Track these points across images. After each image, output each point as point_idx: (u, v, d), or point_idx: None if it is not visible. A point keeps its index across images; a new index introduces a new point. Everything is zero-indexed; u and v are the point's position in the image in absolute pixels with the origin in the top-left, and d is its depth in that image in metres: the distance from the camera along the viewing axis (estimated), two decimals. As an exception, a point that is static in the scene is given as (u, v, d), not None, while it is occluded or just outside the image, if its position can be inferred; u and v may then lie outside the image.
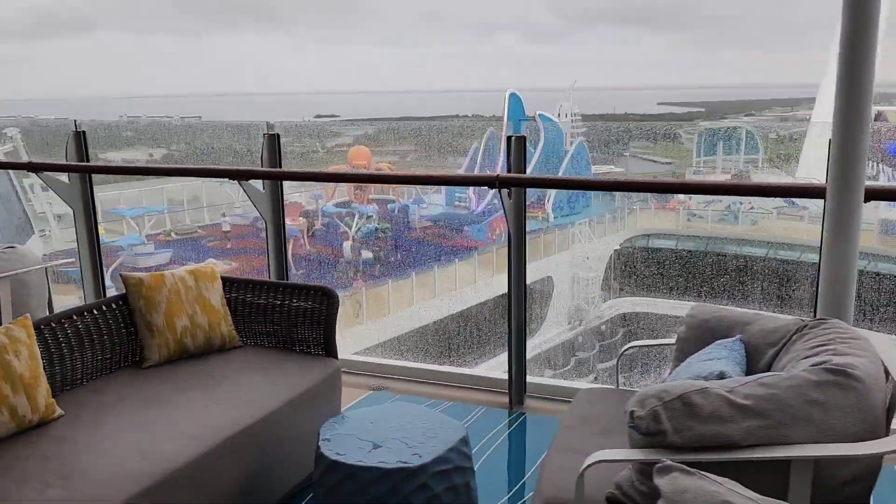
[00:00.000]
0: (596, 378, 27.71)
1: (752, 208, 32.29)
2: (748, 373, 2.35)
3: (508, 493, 3.17)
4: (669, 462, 1.56)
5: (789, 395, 1.90)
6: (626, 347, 2.89)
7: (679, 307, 29.09)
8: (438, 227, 27.09)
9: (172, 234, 24.57)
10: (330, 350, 3.30)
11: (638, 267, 28.37)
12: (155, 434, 2.53)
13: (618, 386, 2.90)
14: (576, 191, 31.47)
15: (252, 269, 22.10)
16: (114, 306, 3.20)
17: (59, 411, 2.68)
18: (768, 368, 2.36)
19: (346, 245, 24.14)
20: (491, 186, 3.61)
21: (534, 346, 25.65)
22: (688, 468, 1.52)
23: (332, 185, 27.35)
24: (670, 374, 2.66)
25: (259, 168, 4.17)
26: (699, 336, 2.59)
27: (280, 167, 4.16)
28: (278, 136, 4.14)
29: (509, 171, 3.71)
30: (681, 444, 1.88)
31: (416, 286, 22.31)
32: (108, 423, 2.62)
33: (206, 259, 22.53)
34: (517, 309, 3.89)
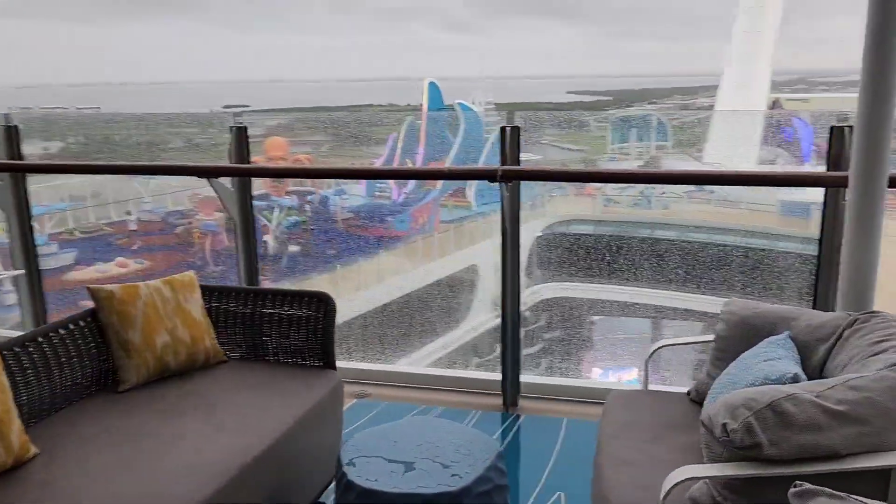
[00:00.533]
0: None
1: (663, 193, 33.39)
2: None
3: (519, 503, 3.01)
4: (808, 485, 1.42)
5: (885, 398, 1.80)
6: (656, 347, 2.75)
7: (598, 290, 29.84)
8: (361, 218, 26.67)
9: (76, 232, 23.14)
10: (329, 361, 3.04)
11: (558, 253, 28.91)
12: (155, 472, 2.22)
13: (646, 387, 2.77)
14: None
15: (168, 267, 21.09)
16: (82, 323, 2.83)
17: (33, 450, 2.33)
18: (822, 365, 2.27)
19: (268, 239, 23.38)
20: (492, 180, 3.41)
21: (460, 335, 25.75)
22: (836, 492, 1.38)
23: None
24: (709, 375, 2.55)
25: (230, 164, 3.81)
26: (742, 334, 2.49)
27: (249, 162, 3.82)
28: (246, 128, 3.80)
29: (504, 162, 3.52)
30: (778, 456, 1.76)
31: (341, 279, 21.88)
32: (95, 461, 2.28)
33: (114, 258, 21.33)
34: (512, 306, 3.72)
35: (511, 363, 3.79)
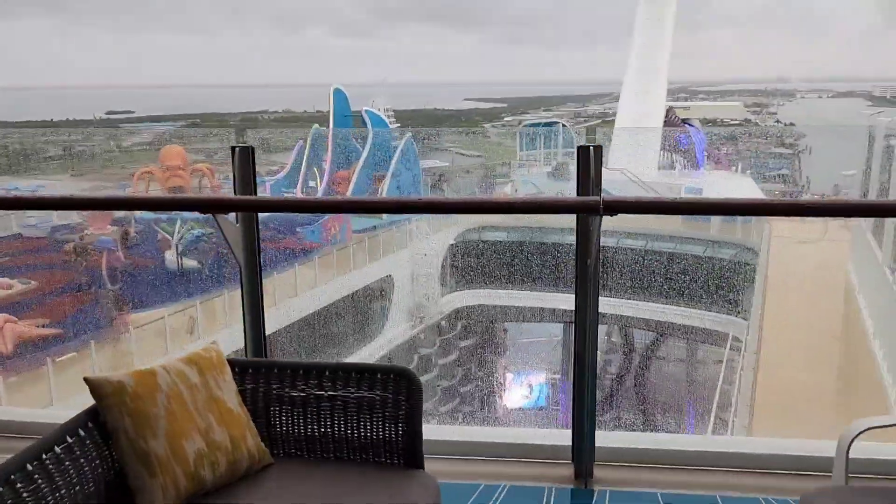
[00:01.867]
0: (438, 374, 27.60)
1: (573, 199, 33.88)
2: None
3: None
4: None
5: None
6: (860, 431, 2.18)
7: (510, 297, 29.91)
8: (269, 230, 25.53)
9: (-52, 250, 21.10)
10: (415, 458, 2.31)
11: (472, 260, 28.74)
12: None
13: (846, 482, 2.20)
14: (413, 184, 31.22)
15: (56, 287, 19.36)
16: (82, 433, 1.99)
17: None
18: None
19: (168, 254, 21.86)
20: (592, 213, 2.77)
21: (378, 347, 24.98)
22: None
23: (144, 186, 24.79)
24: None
25: (237, 196, 2.95)
26: None
27: (255, 193, 3.00)
28: (252, 149, 2.97)
29: (586, 189, 2.90)
30: None
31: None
32: None
33: (-6, 278, 19.25)
34: (590, 355, 3.09)
35: (588, 424, 3.16)
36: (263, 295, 3.17)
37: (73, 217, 22.93)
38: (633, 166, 36.02)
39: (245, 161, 2.97)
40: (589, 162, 2.89)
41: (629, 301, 26.96)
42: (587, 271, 2.99)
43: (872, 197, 19.13)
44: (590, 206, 2.65)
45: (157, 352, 17.02)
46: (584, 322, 3.06)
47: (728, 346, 23.87)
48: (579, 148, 2.95)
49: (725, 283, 26.47)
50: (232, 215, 2.97)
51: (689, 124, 46.04)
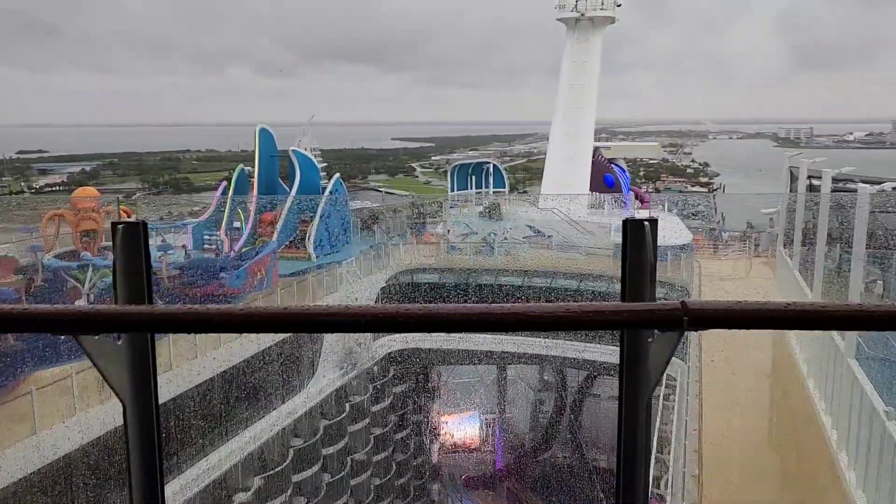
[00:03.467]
0: (371, 422, 26.53)
1: (505, 239, 33.90)
2: None
3: None
4: None
5: None
6: None
7: (448, 340, 29.34)
8: (189, 276, 24.22)
9: None
10: None
11: (404, 303, 28.08)
12: None
13: None
14: (343, 228, 30.35)
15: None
16: None
17: None
18: None
19: (79, 304, 20.32)
20: (672, 328, 1.69)
21: (306, 398, 23.80)
22: None
23: (53, 233, 23.21)
24: None
25: (116, 308, 1.49)
26: None
27: (149, 295, 1.68)
28: (144, 225, 1.72)
29: (644, 284, 1.91)
30: None
31: (172, 345, 19.41)
32: None
33: None
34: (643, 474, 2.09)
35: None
36: (163, 452, 1.89)
37: (-29, 265, 21.25)
38: (563, 205, 36.36)
39: (131, 246, 1.76)
40: (644, 244, 1.89)
41: (567, 342, 26.78)
42: (638, 407, 1.94)
43: (798, 234, 19.31)
44: (666, 319, 1.53)
45: (59, 413, 15.57)
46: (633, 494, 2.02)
47: (662, 384, 23.80)
48: (627, 221, 1.98)
49: (658, 322, 26.51)
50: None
51: (616, 165, 47.13)
